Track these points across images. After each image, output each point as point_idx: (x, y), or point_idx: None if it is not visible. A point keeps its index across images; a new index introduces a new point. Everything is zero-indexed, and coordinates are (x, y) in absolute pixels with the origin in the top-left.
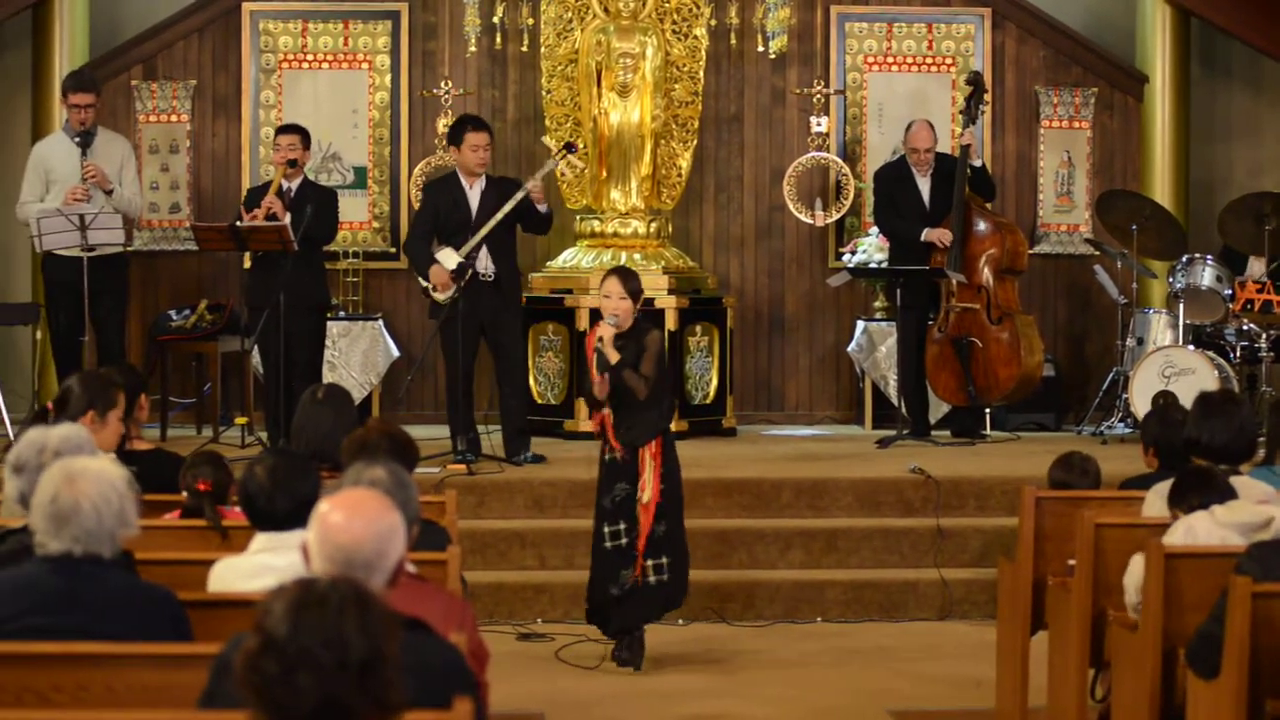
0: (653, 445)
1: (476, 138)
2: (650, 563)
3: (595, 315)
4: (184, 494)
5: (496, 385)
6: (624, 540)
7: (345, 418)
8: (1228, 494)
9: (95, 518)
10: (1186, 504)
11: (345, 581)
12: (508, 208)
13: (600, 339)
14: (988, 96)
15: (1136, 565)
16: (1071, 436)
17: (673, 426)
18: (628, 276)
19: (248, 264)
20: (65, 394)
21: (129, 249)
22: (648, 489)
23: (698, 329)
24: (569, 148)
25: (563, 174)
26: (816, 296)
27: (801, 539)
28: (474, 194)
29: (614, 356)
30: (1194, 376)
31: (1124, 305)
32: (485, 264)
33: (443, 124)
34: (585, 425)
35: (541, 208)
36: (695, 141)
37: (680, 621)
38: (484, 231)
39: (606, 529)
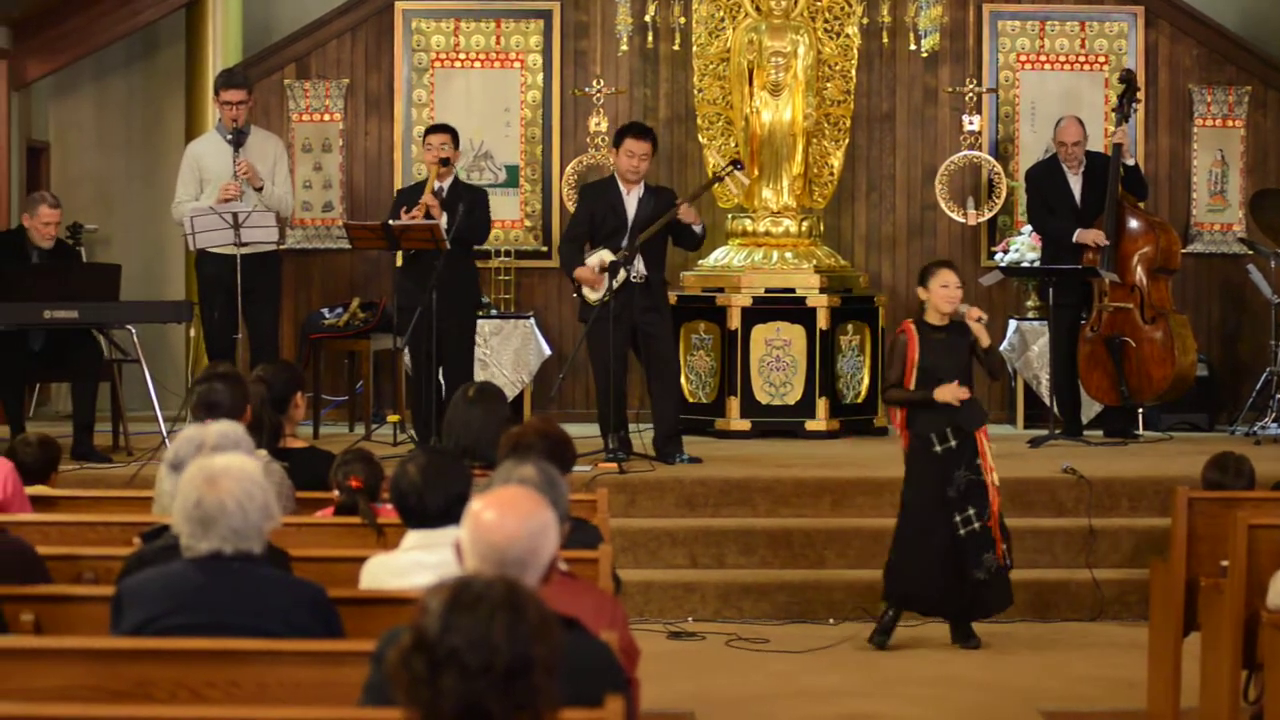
0: (986, 428)
1: (635, 144)
2: (1005, 545)
3: (747, 314)
4: (335, 491)
5: (648, 387)
6: (977, 524)
7: (497, 416)
8: None
9: (241, 516)
10: None
11: (502, 583)
12: (656, 227)
13: (980, 319)
14: (1140, 95)
15: None
16: (1224, 437)
17: (824, 425)
18: (955, 266)
19: (399, 262)
20: (213, 400)
21: (282, 247)
22: (994, 470)
23: (849, 328)
24: (736, 164)
25: (729, 189)
26: (968, 295)
27: None
28: (631, 200)
29: (986, 340)
30: None
31: (1277, 305)
32: (638, 267)
33: (594, 123)
34: (736, 424)
35: (697, 227)
36: (847, 140)
37: (831, 620)
38: (641, 239)
39: (958, 517)
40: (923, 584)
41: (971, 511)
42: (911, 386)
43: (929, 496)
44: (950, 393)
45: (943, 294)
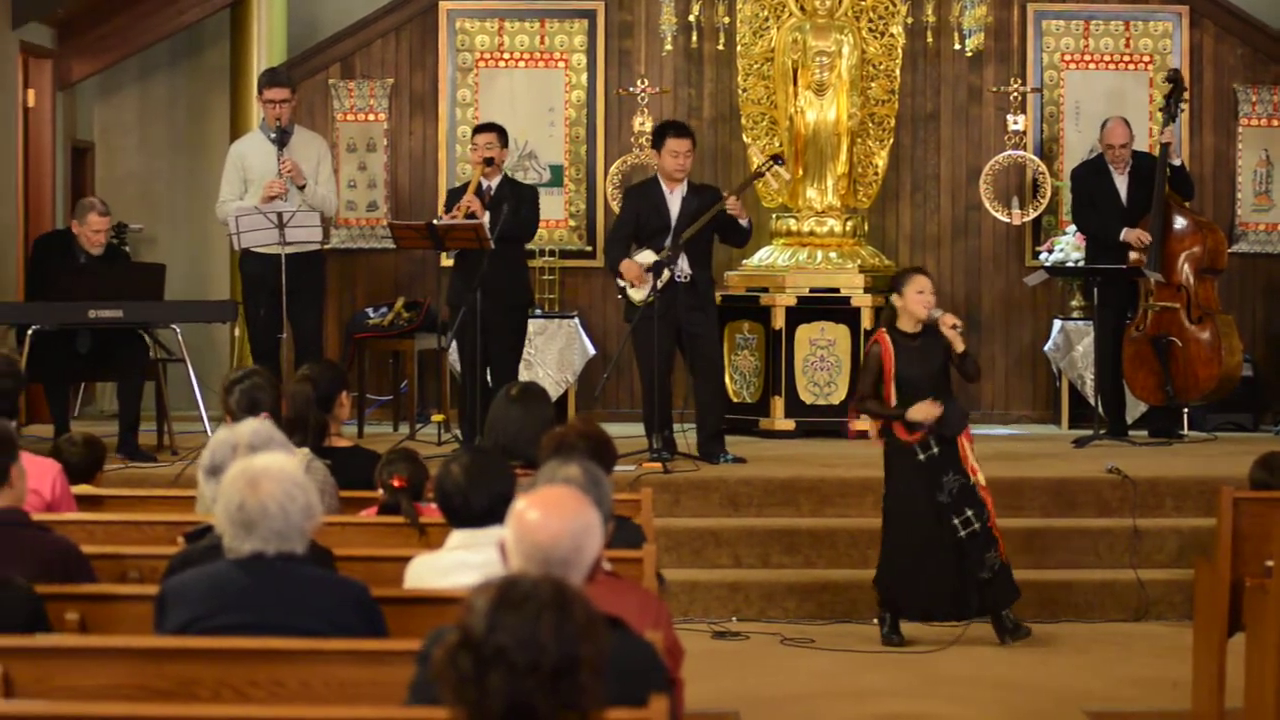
0: (968, 430)
1: (677, 144)
2: (1003, 542)
3: (791, 314)
4: (380, 491)
5: (692, 388)
6: (976, 525)
7: (537, 415)
8: None
9: (283, 518)
10: None
11: (548, 582)
12: (702, 221)
13: (954, 326)
14: (1186, 94)
15: None
16: (1270, 437)
17: (867, 425)
18: (928, 272)
19: (446, 262)
20: (258, 397)
21: (326, 246)
22: (979, 472)
23: None
24: (776, 159)
25: (770, 184)
26: (1013, 295)
27: None
28: (674, 199)
29: (960, 345)
30: None
31: None
32: (682, 267)
33: (639, 122)
34: (780, 424)
35: (743, 221)
36: (891, 140)
37: (875, 620)
38: (686, 235)
39: (956, 520)
40: (923, 592)
41: (970, 513)
42: (892, 397)
43: (918, 504)
44: (923, 411)
45: (919, 300)
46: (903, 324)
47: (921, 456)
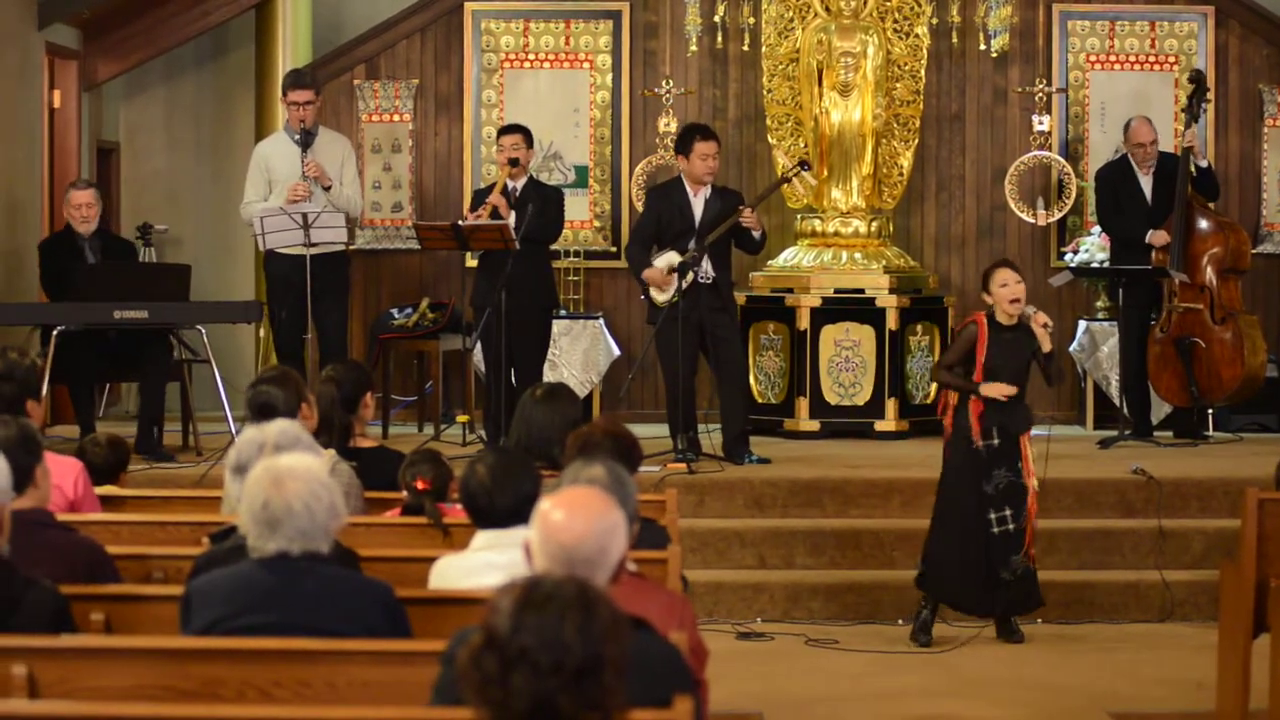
0: (1029, 432)
1: (706, 147)
2: (1034, 549)
3: (816, 315)
4: (404, 492)
5: (715, 388)
6: (1011, 525)
7: (561, 416)
8: None
9: (308, 517)
10: None
11: (572, 583)
12: (721, 229)
13: (1045, 325)
14: (1210, 95)
15: None
16: None
17: (893, 426)
18: (1014, 264)
19: (471, 263)
20: (265, 402)
21: (351, 247)
22: (1034, 475)
23: (918, 328)
24: (803, 165)
25: (795, 188)
26: (1038, 296)
27: None
28: (698, 202)
29: (1048, 345)
30: None
31: None
32: (705, 268)
33: (664, 123)
34: (805, 425)
35: (756, 233)
36: (916, 140)
37: (900, 621)
38: (709, 240)
39: (993, 515)
40: (962, 582)
41: (1008, 512)
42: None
43: (966, 491)
44: (997, 389)
45: (1004, 294)
46: (999, 316)
47: (980, 444)
